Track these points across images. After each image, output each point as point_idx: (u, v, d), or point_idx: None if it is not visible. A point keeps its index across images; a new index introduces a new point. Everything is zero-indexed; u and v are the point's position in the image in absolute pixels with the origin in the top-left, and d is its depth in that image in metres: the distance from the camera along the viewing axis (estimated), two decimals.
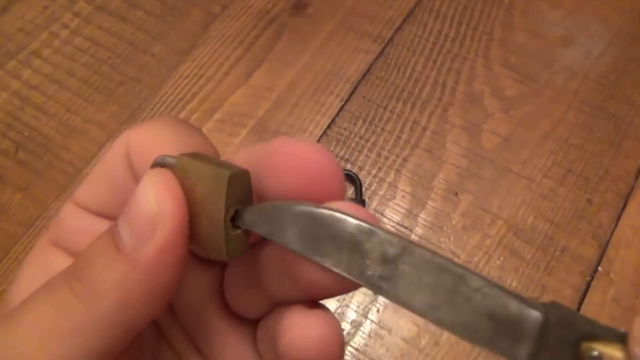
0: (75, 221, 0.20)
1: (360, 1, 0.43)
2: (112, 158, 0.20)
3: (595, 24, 0.42)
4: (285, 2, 0.43)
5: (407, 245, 0.15)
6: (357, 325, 0.32)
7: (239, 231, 0.17)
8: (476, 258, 0.34)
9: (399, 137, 0.38)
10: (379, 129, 0.38)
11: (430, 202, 0.36)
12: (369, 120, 0.39)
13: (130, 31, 0.42)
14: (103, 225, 0.20)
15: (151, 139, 0.19)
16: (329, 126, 0.38)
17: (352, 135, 0.38)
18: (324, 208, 0.15)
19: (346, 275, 0.15)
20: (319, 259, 0.15)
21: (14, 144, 0.38)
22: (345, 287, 0.16)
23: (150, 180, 0.16)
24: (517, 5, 0.42)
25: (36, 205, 0.36)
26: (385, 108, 0.39)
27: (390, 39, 0.41)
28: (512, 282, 0.33)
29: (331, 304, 0.33)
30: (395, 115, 0.39)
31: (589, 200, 0.36)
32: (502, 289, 0.14)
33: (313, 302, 0.18)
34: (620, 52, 0.40)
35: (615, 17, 0.42)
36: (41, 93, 0.40)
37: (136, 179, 0.19)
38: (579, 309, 0.33)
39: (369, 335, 0.32)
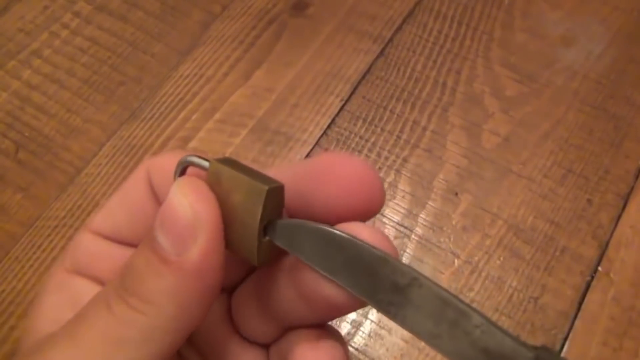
0: (94, 247, 0.21)
1: (360, 1, 0.43)
2: (131, 184, 0.21)
3: (596, 24, 0.42)
4: (285, 3, 0.43)
5: (416, 277, 0.16)
6: (357, 325, 0.32)
7: (269, 239, 0.18)
8: (476, 258, 0.34)
9: (399, 137, 0.38)
10: (379, 129, 0.38)
11: (430, 202, 0.36)
12: (369, 120, 0.39)
13: (130, 31, 0.42)
14: (122, 250, 0.21)
15: (174, 160, 0.19)
16: (329, 126, 0.38)
17: (352, 135, 0.38)
18: (343, 232, 0.17)
19: (359, 295, 0.16)
20: (335, 277, 0.17)
21: (14, 144, 0.38)
22: (355, 306, 0.17)
23: (180, 187, 0.17)
24: (517, 6, 0.42)
25: (36, 205, 0.36)
26: (385, 108, 0.39)
27: (390, 39, 0.41)
28: (512, 282, 0.33)
29: None
30: (395, 116, 0.39)
31: (589, 200, 0.36)
32: (500, 328, 0.15)
33: (322, 330, 0.19)
34: (621, 52, 0.40)
35: (615, 17, 0.42)
36: (41, 93, 0.40)
37: (159, 200, 0.20)
38: (579, 308, 0.33)
39: (369, 335, 0.32)
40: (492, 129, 0.38)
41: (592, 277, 0.33)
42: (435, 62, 0.41)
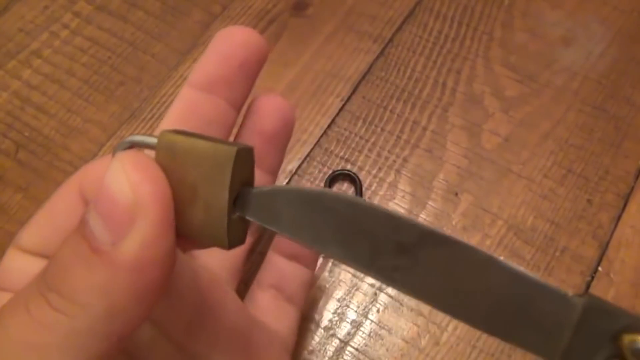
0: (19, 264, 0.18)
1: (360, 1, 0.43)
2: (58, 197, 0.19)
3: (596, 24, 0.42)
4: (285, 3, 0.43)
5: (429, 232, 0.13)
6: (357, 325, 0.32)
7: (239, 215, 0.15)
8: None
9: (399, 137, 0.38)
10: (379, 129, 0.38)
11: (430, 202, 0.36)
12: (369, 120, 0.39)
13: (130, 31, 0.42)
14: (39, 263, 0.18)
15: (108, 164, 0.16)
16: (329, 126, 0.38)
17: (352, 135, 0.38)
18: (334, 191, 0.14)
19: (354, 265, 0.14)
20: (321, 248, 0.14)
21: (14, 144, 0.38)
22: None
23: (120, 164, 0.14)
24: (517, 6, 0.42)
25: (36, 205, 0.36)
26: (385, 108, 0.39)
27: (390, 39, 0.41)
28: None
29: (331, 304, 0.33)
30: (395, 116, 0.39)
31: (589, 201, 0.36)
32: (538, 279, 0.13)
33: None
34: (621, 52, 0.40)
35: (615, 17, 0.42)
36: (41, 93, 0.40)
37: None
38: None
39: (369, 335, 0.32)
40: (492, 129, 0.38)
41: (592, 277, 0.33)
42: (435, 62, 0.41)
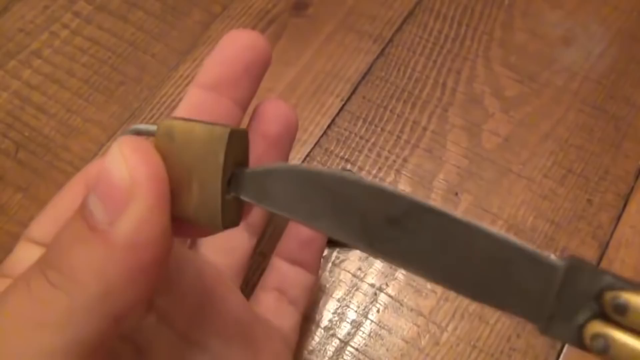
0: (26, 254, 0.19)
1: (360, 1, 0.43)
2: (66, 191, 0.20)
3: (596, 24, 0.42)
4: (285, 3, 0.43)
5: (417, 204, 0.14)
6: (357, 325, 0.32)
7: (234, 196, 0.15)
8: None
9: (399, 137, 0.38)
10: (379, 129, 0.38)
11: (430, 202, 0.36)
12: (369, 120, 0.39)
13: (130, 31, 0.42)
14: None
15: None
16: (329, 126, 0.38)
17: (352, 135, 0.38)
18: (325, 168, 0.15)
19: (346, 239, 0.14)
20: (314, 223, 0.14)
21: (14, 144, 0.38)
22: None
23: (119, 148, 0.15)
24: (517, 6, 0.42)
25: (36, 205, 0.36)
26: (385, 108, 0.39)
27: (390, 39, 0.41)
28: None
29: (331, 304, 0.33)
30: (395, 116, 0.39)
31: (589, 201, 0.36)
32: (521, 243, 0.13)
33: None
34: (621, 52, 0.40)
35: (615, 18, 0.42)
36: (41, 93, 0.40)
37: None
38: None
39: (369, 335, 0.32)
40: (492, 129, 0.38)
41: None
42: (435, 62, 0.41)
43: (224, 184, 0.15)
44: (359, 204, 0.14)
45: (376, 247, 0.14)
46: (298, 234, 0.28)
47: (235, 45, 0.20)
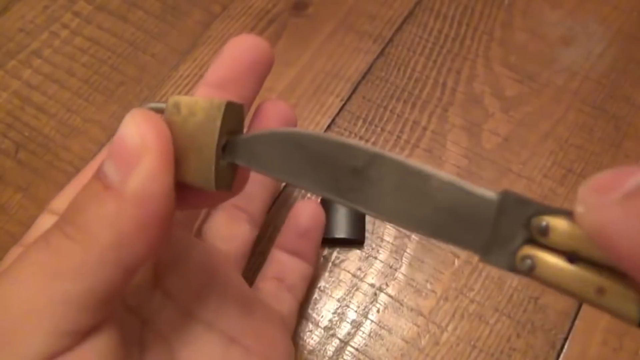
0: (48, 224, 0.20)
1: (360, 1, 0.43)
2: (89, 169, 0.22)
3: (596, 24, 0.42)
4: (285, 2, 0.43)
5: (374, 154, 0.16)
6: (357, 325, 0.32)
7: (227, 162, 0.17)
8: (476, 258, 0.34)
9: (399, 137, 0.38)
10: (379, 129, 0.38)
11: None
12: (369, 120, 0.39)
13: (130, 31, 0.42)
14: None
15: None
16: (329, 126, 0.38)
17: (352, 135, 0.38)
18: (302, 130, 0.17)
19: (322, 193, 0.16)
20: (296, 181, 0.16)
21: (14, 144, 0.38)
22: None
23: (132, 117, 0.17)
24: (517, 5, 0.42)
25: (36, 205, 0.36)
26: (385, 108, 0.39)
27: (390, 39, 0.41)
28: (512, 282, 0.33)
29: (331, 304, 0.33)
30: (395, 115, 0.39)
31: None
32: (464, 183, 0.15)
33: None
34: (621, 52, 0.40)
35: (615, 17, 0.42)
36: (41, 93, 0.40)
37: None
38: (579, 308, 0.33)
39: (369, 335, 0.32)
40: (492, 129, 0.38)
41: None
42: (435, 62, 0.41)
43: (218, 149, 0.17)
44: (329, 159, 0.16)
45: (345, 196, 0.16)
46: (296, 227, 0.30)
47: (240, 47, 0.22)
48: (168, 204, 0.17)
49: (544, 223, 0.14)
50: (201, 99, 0.17)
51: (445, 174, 0.15)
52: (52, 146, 0.38)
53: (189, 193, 0.18)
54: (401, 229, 0.18)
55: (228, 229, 0.29)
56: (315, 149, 0.16)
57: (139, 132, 0.16)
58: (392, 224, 0.15)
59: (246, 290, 0.27)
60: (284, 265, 0.30)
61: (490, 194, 0.15)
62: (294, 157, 0.16)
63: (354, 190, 0.16)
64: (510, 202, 0.15)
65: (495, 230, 0.15)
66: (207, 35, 0.42)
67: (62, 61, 0.41)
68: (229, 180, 0.18)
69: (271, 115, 0.24)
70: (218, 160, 0.17)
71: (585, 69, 0.40)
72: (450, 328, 0.32)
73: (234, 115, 0.18)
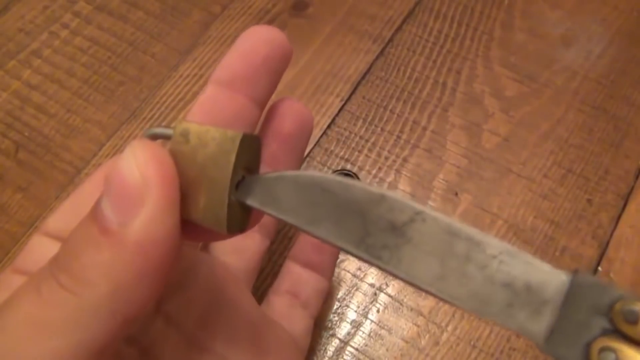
0: (43, 249, 0.19)
1: (360, 1, 0.43)
2: (87, 186, 0.20)
3: (595, 24, 0.42)
4: (285, 2, 0.43)
5: (419, 211, 0.13)
6: (357, 325, 0.32)
7: (240, 201, 0.16)
8: None
9: (399, 137, 0.38)
10: (379, 129, 0.38)
11: (430, 202, 0.36)
12: (369, 120, 0.39)
13: (130, 31, 0.42)
14: None
15: None
16: (329, 126, 0.38)
17: (352, 135, 0.38)
18: (331, 175, 0.15)
19: (348, 247, 0.14)
20: (315, 229, 0.14)
21: (14, 144, 0.38)
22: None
23: (132, 151, 0.15)
24: (517, 6, 0.42)
25: (36, 205, 0.36)
26: (385, 108, 0.39)
27: (390, 39, 0.41)
28: None
29: (331, 303, 0.33)
30: (395, 115, 0.39)
31: (589, 200, 0.36)
32: (522, 254, 0.13)
33: None
34: (620, 52, 0.40)
35: (615, 17, 0.42)
36: (41, 93, 0.40)
37: None
38: None
39: (369, 335, 0.32)
40: (492, 129, 0.38)
41: None
42: (435, 62, 0.41)
43: (232, 187, 0.15)
44: (361, 210, 0.14)
45: (375, 254, 0.14)
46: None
47: (252, 40, 0.19)
48: (172, 248, 0.15)
49: (633, 308, 0.12)
50: (213, 128, 0.15)
51: (501, 243, 0.13)
52: (52, 146, 0.38)
53: (193, 229, 0.16)
54: (442, 301, 0.15)
55: (237, 240, 0.25)
56: (346, 197, 0.14)
57: (140, 170, 0.15)
58: (430, 294, 0.13)
59: (257, 313, 0.24)
60: (298, 279, 0.28)
61: (558, 273, 0.13)
62: (318, 204, 0.14)
63: (387, 248, 0.13)
64: (584, 285, 0.12)
65: (564, 316, 0.12)
66: (207, 35, 0.42)
67: (62, 61, 0.41)
68: (242, 222, 0.16)
69: (286, 116, 0.21)
70: (231, 199, 0.15)
71: (585, 69, 0.40)
72: (450, 328, 0.32)
73: (250, 149, 0.16)
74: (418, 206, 0.14)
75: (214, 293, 0.22)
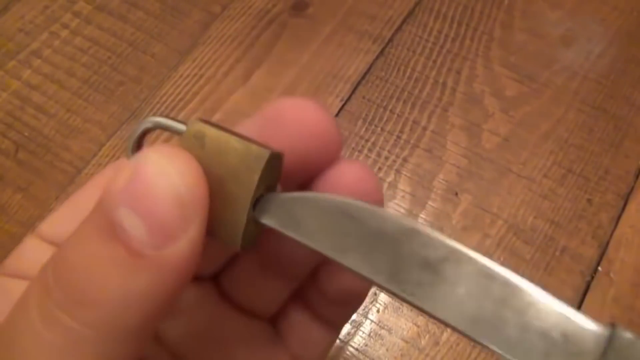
0: (39, 253, 0.17)
1: (360, 1, 0.43)
2: (88, 189, 0.18)
3: (595, 24, 0.42)
4: (285, 2, 0.43)
5: (455, 250, 0.13)
6: (357, 325, 0.32)
7: (256, 218, 0.15)
8: None
9: (399, 137, 0.38)
10: (379, 129, 0.38)
11: (430, 202, 0.36)
12: (369, 120, 0.39)
13: (130, 31, 0.42)
14: None
15: None
16: None
17: (352, 135, 0.38)
18: (361, 201, 0.14)
19: (376, 279, 0.13)
20: (341, 258, 0.13)
21: (14, 144, 0.38)
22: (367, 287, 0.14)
23: (159, 155, 0.13)
24: (517, 6, 0.42)
25: (36, 205, 0.36)
26: (385, 108, 0.39)
27: (390, 39, 0.41)
28: None
29: None
30: (395, 116, 0.39)
31: (589, 200, 0.36)
32: (561, 305, 0.12)
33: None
34: (620, 52, 0.40)
35: (615, 17, 0.42)
36: (41, 93, 0.40)
37: None
38: (579, 308, 0.33)
39: (369, 335, 0.32)
40: (492, 129, 0.38)
41: (592, 277, 0.34)
42: (435, 62, 0.41)
43: (250, 206, 0.14)
44: (392, 243, 0.13)
45: (407, 289, 0.13)
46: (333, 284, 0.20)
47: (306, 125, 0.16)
48: (196, 266, 0.13)
49: None
50: (234, 138, 0.14)
51: (537, 289, 0.12)
52: (52, 146, 0.38)
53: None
54: (476, 344, 0.14)
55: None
56: (376, 227, 0.13)
57: (183, 182, 0.12)
58: (464, 336, 0.12)
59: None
60: (306, 338, 0.21)
61: (596, 325, 0.12)
62: (344, 231, 0.13)
63: (421, 286, 0.13)
64: (623, 340, 0.12)
65: None
66: (207, 35, 0.42)
67: (62, 61, 0.41)
68: (254, 238, 0.15)
69: (347, 184, 0.16)
70: (249, 217, 0.14)
71: (585, 69, 0.40)
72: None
73: (273, 167, 0.15)
74: (452, 244, 0.13)
75: (204, 315, 0.20)
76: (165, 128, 0.15)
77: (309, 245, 0.14)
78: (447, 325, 0.13)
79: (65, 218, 0.18)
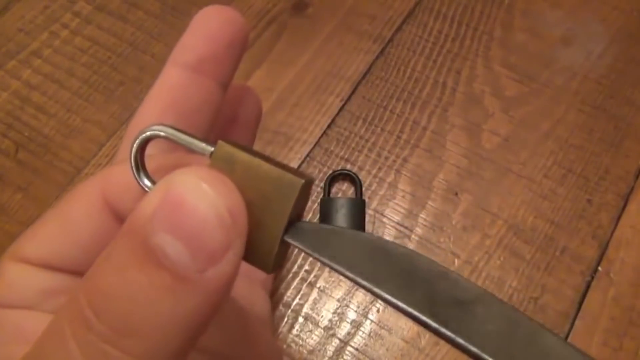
0: (26, 280, 0.16)
1: (360, 1, 0.43)
2: (74, 204, 0.17)
3: (595, 24, 0.42)
4: (285, 3, 0.43)
5: (484, 295, 0.14)
6: (357, 325, 0.32)
7: (287, 243, 0.15)
8: (476, 258, 0.34)
9: (399, 137, 0.38)
10: (379, 129, 0.38)
11: (430, 202, 0.36)
12: (369, 120, 0.39)
13: (130, 31, 0.42)
14: (62, 279, 0.16)
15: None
16: (329, 126, 0.38)
17: (352, 135, 0.38)
18: (397, 243, 0.15)
19: (412, 309, 0.14)
20: (377, 287, 0.14)
21: (14, 144, 0.38)
22: None
23: (199, 178, 0.13)
24: (517, 5, 0.42)
25: (36, 205, 0.36)
26: (385, 108, 0.39)
27: (390, 39, 0.41)
28: (512, 282, 0.33)
29: (331, 304, 0.33)
30: (395, 115, 0.39)
31: (589, 200, 0.36)
32: (575, 349, 0.13)
33: None
34: (620, 52, 0.40)
35: (615, 17, 0.42)
36: (41, 93, 0.40)
37: (121, 218, 0.16)
38: (579, 308, 0.33)
39: (369, 335, 0.32)
40: (492, 129, 0.38)
41: (592, 277, 0.33)
42: (435, 62, 0.41)
43: (283, 232, 0.15)
44: (425, 280, 0.14)
45: (441, 321, 0.14)
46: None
47: (216, 21, 0.18)
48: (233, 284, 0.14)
49: None
50: (267, 165, 0.14)
51: (556, 336, 0.13)
52: (52, 146, 0.38)
53: None
54: None
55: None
56: (410, 265, 0.14)
57: (226, 208, 0.13)
58: None
59: (272, 348, 0.23)
60: None
61: None
62: (378, 263, 0.14)
63: (453, 320, 0.13)
64: None
65: None
66: None
67: (62, 61, 0.41)
68: (283, 259, 0.16)
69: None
70: (281, 242, 0.15)
71: (585, 69, 0.40)
72: None
73: (304, 195, 0.15)
74: (480, 288, 0.14)
75: (235, 332, 0.21)
76: (170, 140, 0.15)
77: (344, 272, 0.14)
78: (476, 357, 0.13)
79: (53, 236, 0.17)
